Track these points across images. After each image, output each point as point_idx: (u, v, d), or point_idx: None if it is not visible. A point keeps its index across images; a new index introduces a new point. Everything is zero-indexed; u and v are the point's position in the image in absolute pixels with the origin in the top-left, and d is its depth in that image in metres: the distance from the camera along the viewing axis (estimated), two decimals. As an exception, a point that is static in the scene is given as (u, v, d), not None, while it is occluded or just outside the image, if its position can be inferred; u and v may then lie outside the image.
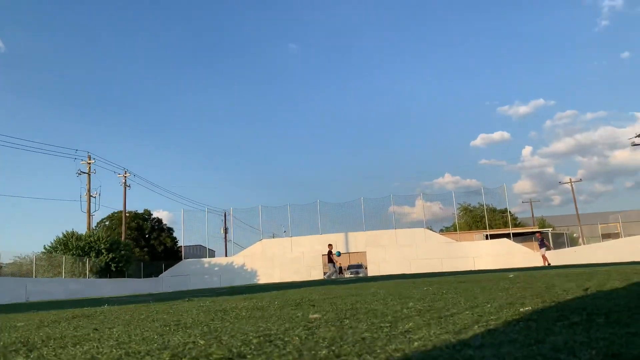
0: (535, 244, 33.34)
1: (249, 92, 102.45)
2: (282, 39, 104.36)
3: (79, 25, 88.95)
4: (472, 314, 1.72)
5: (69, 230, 30.73)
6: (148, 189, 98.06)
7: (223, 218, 45.04)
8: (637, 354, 0.84)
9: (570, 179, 51.94)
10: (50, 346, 1.59)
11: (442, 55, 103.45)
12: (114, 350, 1.38)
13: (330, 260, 22.58)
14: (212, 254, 49.00)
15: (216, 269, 35.32)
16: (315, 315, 1.96)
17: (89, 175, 35.39)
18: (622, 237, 28.67)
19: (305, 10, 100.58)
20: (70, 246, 29.01)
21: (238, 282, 32.20)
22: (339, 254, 22.69)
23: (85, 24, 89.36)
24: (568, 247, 32.57)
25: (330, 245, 23.23)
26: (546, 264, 21.83)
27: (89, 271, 28.78)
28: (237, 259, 35.60)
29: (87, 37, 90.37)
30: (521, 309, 1.74)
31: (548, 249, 23.49)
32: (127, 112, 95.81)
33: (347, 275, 32.10)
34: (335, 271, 22.73)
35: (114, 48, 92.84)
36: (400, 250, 33.12)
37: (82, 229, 32.81)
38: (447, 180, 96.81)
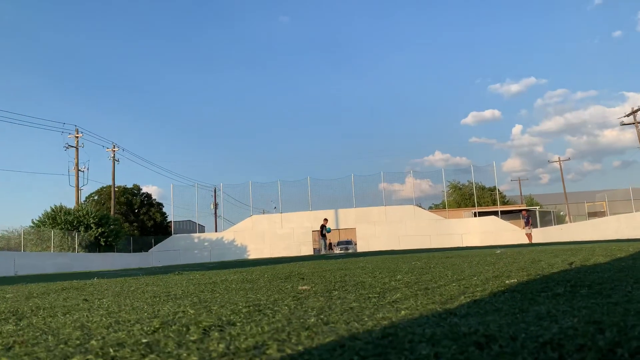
0: (522, 222, 33.76)
1: (240, 68, 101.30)
2: (273, 11, 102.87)
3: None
4: (459, 286, 1.75)
5: (58, 204, 30.55)
6: (137, 164, 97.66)
7: (213, 193, 45.00)
8: (617, 321, 0.86)
9: (559, 158, 52.43)
10: (40, 315, 1.60)
11: (433, 34, 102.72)
12: (104, 319, 1.39)
13: (322, 235, 22.73)
14: (202, 229, 49.06)
15: (206, 244, 35.41)
16: (305, 287, 1.99)
17: (77, 149, 35.03)
18: (607, 215, 29.10)
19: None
20: (58, 220, 28.88)
21: (228, 258, 32.36)
22: (329, 230, 22.81)
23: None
24: (555, 225, 33.02)
25: (325, 219, 23.30)
26: (531, 242, 22.16)
27: (78, 245, 28.73)
28: (227, 235, 35.69)
29: (77, 12, 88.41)
30: (507, 281, 1.77)
31: (533, 227, 23.79)
32: (116, 87, 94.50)
33: (337, 251, 32.37)
34: (326, 246, 22.91)
35: (102, 22, 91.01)
36: (389, 226, 33.38)
37: (70, 204, 32.68)
38: (437, 157, 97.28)
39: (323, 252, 22.87)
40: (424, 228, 33.20)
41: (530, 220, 24.01)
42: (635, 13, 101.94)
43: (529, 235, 23.45)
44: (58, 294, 2.55)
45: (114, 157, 38.11)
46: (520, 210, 37.24)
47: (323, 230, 22.71)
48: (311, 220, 34.24)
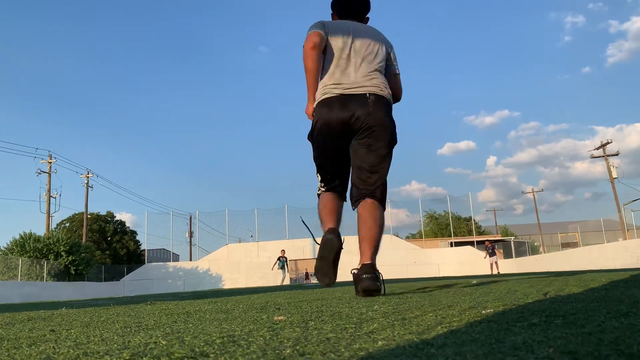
0: (499, 252, 34.12)
1: (217, 95, 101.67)
2: (252, 41, 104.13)
3: (36, 21, 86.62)
4: (436, 316, 1.75)
5: (27, 231, 29.73)
6: (111, 191, 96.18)
7: (188, 221, 44.41)
8: (591, 351, 0.87)
9: (533, 189, 53.55)
10: (4, 347, 1.53)
11: (409, 65, 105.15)
12: (71, 351, 1.34)
13: (282, 267, 22.96)
14: (176, 258, 48.19)
15: (180, 273, 34.74)
16: (280, 317, 1.95)
17: (50, 174, 34.37)
18: (580, 246, 29.63)
19: (275, 13, 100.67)
20: (27, 248, 28.06)
21: (203, 287, 31.76)
22: (282, 263, 23.02)
23: (44, 20, 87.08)
24: (530, 255, 33.43)
25: (283, 251, 23.53)
26: (496, 272, 22.20)
27: (47, 274, 27.88)
28: (202, 264, 35.11)
29: (50, 36, 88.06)
30: (483, 312, 1.77)
31: (494, 256, 23.99)
32: (90, 112, 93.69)
33: (314, 280, 32.08)
34: (284, 277, 23.18)
35: (77, 47, 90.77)
36: (366, 256, 33.33)
37: (40, 231, 31.80)
38: (414, 187, 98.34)
39: (283, 282, 22.89)
40: (402, 258, 33.25)
41: (495, 250, 24.32)
42: (604, 50, 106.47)
43: (492, 266, 23.67)
44: (24, 324, 2.46)
45: (87, 183, 37.50)
46: (485, 241, 37.70)
47: (281, 262, 23.00)
48: (289, 248, 34.01)
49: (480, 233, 50.45)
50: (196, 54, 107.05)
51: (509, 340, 1.10)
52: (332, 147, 3.15)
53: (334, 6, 3.49)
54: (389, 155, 3.12)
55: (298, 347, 1.20)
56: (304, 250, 34.69)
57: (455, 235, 40.75)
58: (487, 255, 23.98)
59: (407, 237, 52.35)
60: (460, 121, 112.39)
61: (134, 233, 53.44)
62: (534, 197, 52.87)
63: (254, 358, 1.09)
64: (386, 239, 34.21)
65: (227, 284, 33.37)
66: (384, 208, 3.25)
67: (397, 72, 3.38)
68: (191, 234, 44.98)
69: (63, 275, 28.91)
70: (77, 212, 47.23)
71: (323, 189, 3.33)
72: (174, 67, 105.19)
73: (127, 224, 54.23)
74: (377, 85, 3.08)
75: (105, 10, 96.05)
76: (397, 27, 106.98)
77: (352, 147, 3.11)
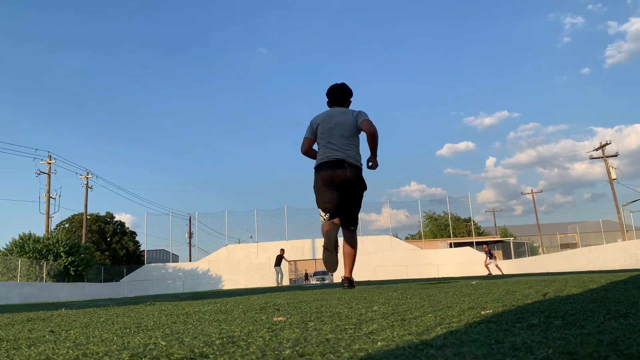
0: (498, 253, 34.12)
1: (217, 96, 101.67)
2: (252, 43, 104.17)
3: (37, 21, 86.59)
4: (435, 316, 1.75)
5: (26, 232, 29.69)
6: (111, 191, 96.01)
7: (188, 222, 44.38)
8: (590, 352, 0.87)
9: (532, 190, 53.48)
10: (3, 348, 1.53)
11: (409, 66, 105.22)
12: (71, 351, 1.34)
13: (278, 264, 22.41)
14: (175, 258, 48.16)
15: (180, 274, 34.71)
16: (280, 318, 1.95)
17: (49, 175, 34.34)
18: (579, 247, 29.64)
19: (276, 15, 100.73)
20: (27, 249, 28.01)
21: (202, 288, 31.73)
22: (278, 265, 22.47)
23: (44, 20, 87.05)
24: (529, 256, 33.44)
25: (282, 250, 23.07)
26: (489, 274, 22.06)
27: (46, 275, 27.85)
28: (202, 264, 35.09)
29: (51, 38, 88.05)
30: (482, 312, 1.77)
31: (493, 259, 24.00)
32: (90, 113, 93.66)
33: (313, 281, 32.05)
34: (278, 279, 22.47)
35: (78, 48, 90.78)
36: (366, 257, 33.35)
37: (40, 231, 31.77)
38: (414, 188, 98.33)
39: (277, 284, 22.28)
40: (401, 258, 33.24)
41: (492, 253, 24.40)
42: (602, 52, 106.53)
43: (493, 267, 23.71)
44: (23, 325, 2.46)
45: (87, 184, 37.46)
46: (486, 242, 37.67)
47: (281, 261, 22.48)
48: (288, 249, 34.00)
49: (479, 234, 50.47)
50: (196, 55, 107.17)
51: (508, 341, 1.11)
52: (323, 193, 4.81)
53: (327, 95, 5.17)
54: (361, 200, 4.95)
55: (297, 348, 1.19)
56: (304, 251, 34.68)
57: (455, 236, 40.76)
58: (487, 259, 24.02)
59: (407, 238, 52.33)
60: (460, 122, 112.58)
61: (133, 234, 53.42)
62: (533, 198, 52.89)
63: (253, 359, 1.09)
64: (385, 240, 34.21)
65: (227, 285, 33.36)
66: (356, 230, 5.13)
67: (366, 118, 4.85)
68: (191, 235, 44.97)
69: (62, 276, 28.87)
70: (76, 213, 47.24)
71: (325, 218, 4.87)
72: (174, 69, 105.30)
73: (127, 225, 54.19)
74: (351, 156, 4.76)
75: (105, 12, 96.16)
76: (397, 29, 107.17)
77: (339, 194, 4.76)
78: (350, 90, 5.18)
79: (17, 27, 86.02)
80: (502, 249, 37.04)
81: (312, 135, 4.96)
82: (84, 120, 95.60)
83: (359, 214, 5.13)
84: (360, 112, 4.88)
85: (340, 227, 4.85)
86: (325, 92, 5.17)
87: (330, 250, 4.74)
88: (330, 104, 5.16)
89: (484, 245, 24.99)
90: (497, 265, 23.88)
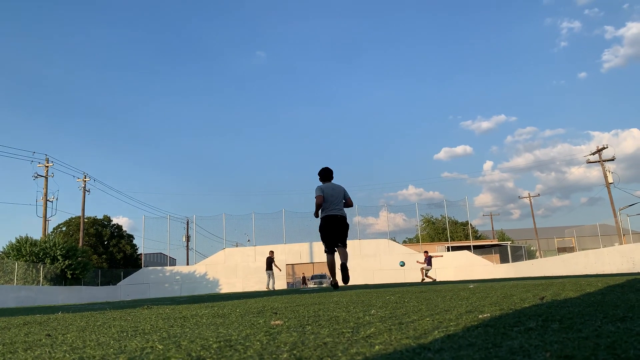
0: (496, 257, 34.07)
1: (214, 99, 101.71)
2: (250, 46, 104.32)
3: (35, 24, 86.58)
4: (433, 320, 1.74)
5: (23, 235, 29.57)
6: (108, 195, 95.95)
7: (185, 225, 44.29)
8: (587, 355, 0.87)
9: (529, 194, 53.55)
10: (-1, 352, 1.52)
11: (407, 70, 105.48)
12: (67, 355, 1.33)
13: (269, 268, 22.05)
14: (173, 262, 48.06)
15: (177, 277, 34.62)
16: (277, 322, 1.95)
17: (46, 178, 34.26)
18: (576, 250, 29.67)
19: (274, 19, 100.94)
20: (23, 252, 27.90)
21: (199, 292, 31.65)
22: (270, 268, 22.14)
23: (42, 22, 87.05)
24: (526, 260, 33.46)
25: (271, 252, 22.76)
26: (424, 280, 21.35)
27: (43, 278, 27.74)
28: (199, 268, 35.01)
29: (49, 40, 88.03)
30: (480, 316, 1.77)
31: (429, 266, 23.35)
32: (88, 116, 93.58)
33: (311, 285, 31.99)
34: (269, 282, 22.04)
35: (76, 51, 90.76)
36: (363, 260, 33.32)
37: (37, 235, 31.67)
38: (411, 192, 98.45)
39: (269, 287, 21.87)
40: (398, 262, 33.20)
41: (431, 260, 23.81)
42: (599, 56, 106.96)
43: (424, 272, 22.96)
44: (19, 328, 2.45)
45: (84, 187, 37.37)
46: (493, 245, 37.64)
47: (272, 264, 22.11)
48: (285, 253, 33.95)
49: (477, 237, 50.48)
50: (194, 58, 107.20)
51: (505, 344, 1.11)
52: (328, 232, 7.98)
53: (320, 174, 8.27)
54: (347, 231, 8.14)
55: (295, 352, 1.19)
56: (301, 254, 34.64)
57: (452, 239, 40.78)
58: (427, 265, 23.29)
59: (404, 242, 52.33)
60: (457, 126, 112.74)
61: (130, 237, 53.29)
62: (531, 202, 52.97)
63: (250, 362, 1.08)
64: (383, 244, 34.21)
65: (224, 288, 33.28)
66: (346, 247, 8.20)
67: (348, 197, 8.21)
68: (188, 238, 44.89)
69: (59, 279, 28.76)
70: (73, 216, 47.09)
71: (327, 250, 8.09)
72: (171, 72, 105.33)
73: (124, 228, 54.04)
74: (342, 212, 8.04)
75: (104, 14, 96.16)
76: (394, 33, 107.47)
77: (337, 229, 7.96)
78: (333, 172, 8.39)
79: (16, 29, 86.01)
80: (500, 252, 37.04)
81: (323, 194, 8.01)
82: (82, 123, 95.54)
83: (347, 240, 8.28)
84: (344, 189, 8.27)
85: (336, 247, 8.09)
86: (318, 172, 8.36)
87: (333, 277, 8.02)
88: (323, 180, 8.29)
89: (425, 252, 24.48)
90: (427, 273, 23.20)
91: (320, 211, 8.07)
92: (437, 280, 22.28)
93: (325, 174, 8.27)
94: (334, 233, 7.94)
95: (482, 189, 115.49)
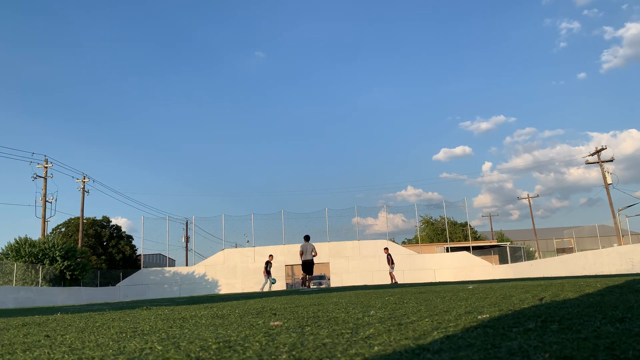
0: (495, 257, 34.01)
1: (214, 100, 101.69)
2: (249, 47, 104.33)
3: (34, 25, 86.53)
4: (432, 321, 1.74)
5: (22, 236, 29.53)
6: (107, 195, 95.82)
7: (184, 226, 44.26)
8: (586, 356, 0.87)
9: (528, 195, 53.56)
10: (-2, 353, 1.52)
11: (406, 71, 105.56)
12: (66, 356, 1.33)
13: (267, 272, 21.93)
14: (172, 263, 48.03)
15: (176, 278, 34.60)
16: (276, 323, 1.95)
17: (45, 179, 34.23)
18: (575, 251, 29.68)
19: (273, 20, 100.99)
20: (22, 253, 27.87)
21: (199, 292, 31.62)
22: (274, 281, 21.91)
23: (42, 23, 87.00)
24: (525, 260, 33.47)
25: (270, 256, 22.66)
26: (393, 282, 19.98)
27: (42, 279, 27.70)
28: (198, 269, 34.99)
29: (49, 41, 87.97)
30: (479, 317, 1.77)
31: (504, 262, 22.78)
32: (87, 117, 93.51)
33: (312, 286, 31.96)
34: (266, 283, 21.92)
35: (75, 52, 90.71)
36: (363, 261, 33.31)
37: (36, 235, 31.64)
38: (410, 192, 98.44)
39: (265, 289, 21.78)
40: (397, 263, 33.16)
41: (391, 258, 21.50)
42: (598, 57, 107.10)
43: (392, 275, 21.43)
44: (18, 329, 2.44)
45: (83, 188, 37.34)
46: (492, 246, 37.61)
47: (268, 267, 21.99)
48: (285, 253, 33.93)
49: (476, 238, 50.48)
50: (194, 60, 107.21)
51: (505, 345, 1.10)
52: (304, 267, 18.19)
53: (304, 238, 18.29)
54: (313, 267, 18.51)
55: (294, 353, 1.19)
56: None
57: (451, 240, 40.77)
58: (389, 264, 21.40)
59: (403, 243, 52.33)
60: (456, 127, 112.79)
61: (129, 238, 53.19)
62: (530, 203, 52.96)
63: (250, 363, 1.08)
64: (382, 244, 34.17)
65: (224, 289, 33.26)
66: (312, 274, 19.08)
67: (314, 250, 18.13)
68: (187, 239, 44.84)
69: (58, 280, 28.73)
70: (73, 217, 47.01)
71: (303, 272, 18.33)
72: (171, 73, 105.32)
73: (123, 229, 53.89)
74: (312, 259, 18.12)
75: (103, 14, 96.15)
76: (394, 34, 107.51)
77: (308, 267, 18.14)
78: (309, 236, 18.21)
79: (14, 30, 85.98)
80: (499, 253, 37.06)
81: (302, 249, 17.77)
82: (81, 124, 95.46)
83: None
84: (313, 246, 17.95)
85: (307, 276, 17.99)
86: (303, 236, 18.10)
87: (304, 285, 17.69)
88: (304, 240, 17.95)
89: (385, 249, 22.16)
90: (392, 273, 21.57)
91: (300, 257, 17.79)
92: (437, 281, 21.85)
93: (305, 237, 18.00)
94: (307, 268, 17.72)
95: (481, 189, 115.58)
